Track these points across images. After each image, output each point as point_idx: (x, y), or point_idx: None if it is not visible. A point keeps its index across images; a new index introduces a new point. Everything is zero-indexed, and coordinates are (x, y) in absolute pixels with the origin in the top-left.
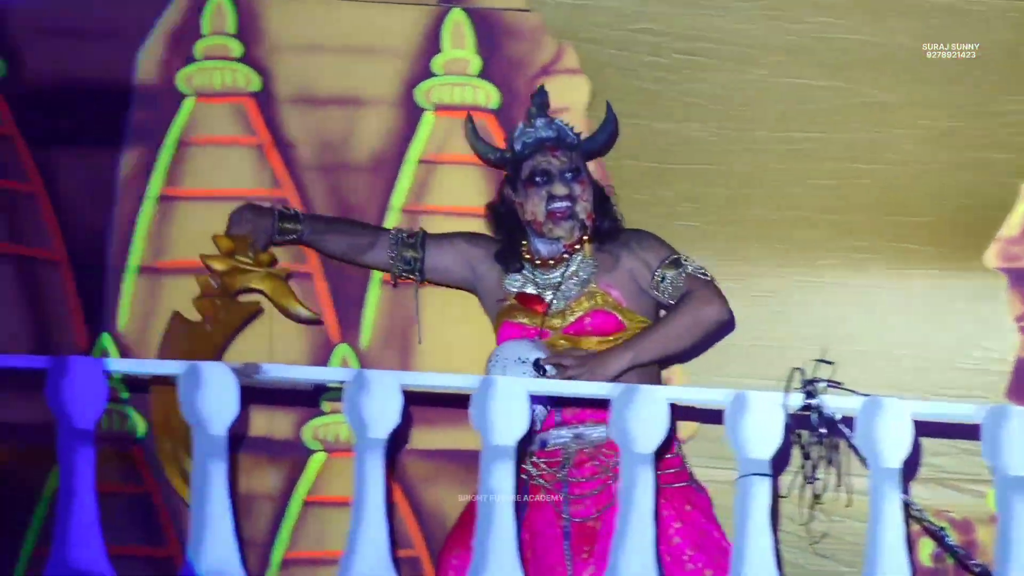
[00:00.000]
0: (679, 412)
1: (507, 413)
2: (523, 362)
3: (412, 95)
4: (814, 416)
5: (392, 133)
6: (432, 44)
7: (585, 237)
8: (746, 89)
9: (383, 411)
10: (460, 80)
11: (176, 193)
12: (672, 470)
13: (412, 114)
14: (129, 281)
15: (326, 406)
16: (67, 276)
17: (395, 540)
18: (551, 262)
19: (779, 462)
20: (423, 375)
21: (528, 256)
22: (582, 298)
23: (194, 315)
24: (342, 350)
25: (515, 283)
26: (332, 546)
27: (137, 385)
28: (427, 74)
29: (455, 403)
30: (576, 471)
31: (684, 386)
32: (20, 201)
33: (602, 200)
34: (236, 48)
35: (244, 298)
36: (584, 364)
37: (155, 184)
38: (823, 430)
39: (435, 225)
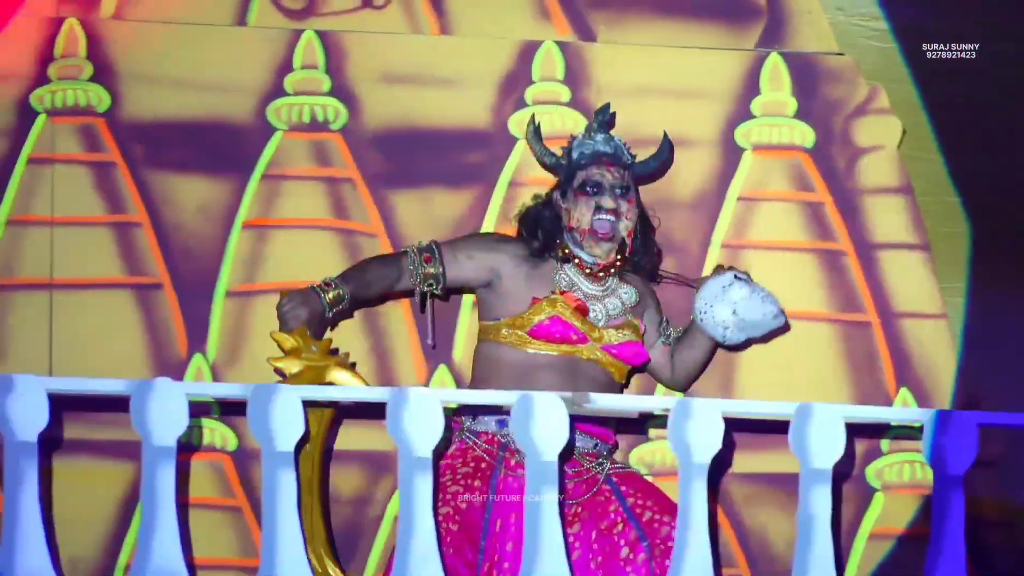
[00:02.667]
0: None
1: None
2: (729, 286)
3: (733, 135)
4: None
5: (713, 171)
6: (751, 87)
7: (619, 261)
8: None
9: (706, 437)
10: (778, 121)
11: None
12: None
13: (732, 154)
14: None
15: (652, 432)
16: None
17: (719, 560)
18: (590, 271)
19: None
20: (744, 403)
21: (566, 254)
22: (625, 325)
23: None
24: None
25: (564, 280)
26: None
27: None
28: (747, 115)
29: (776, 428)
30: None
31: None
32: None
33: (645, 228)
34: (564, 93)
35: None
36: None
37: (489, 221)
38: None
39: (757, 260)
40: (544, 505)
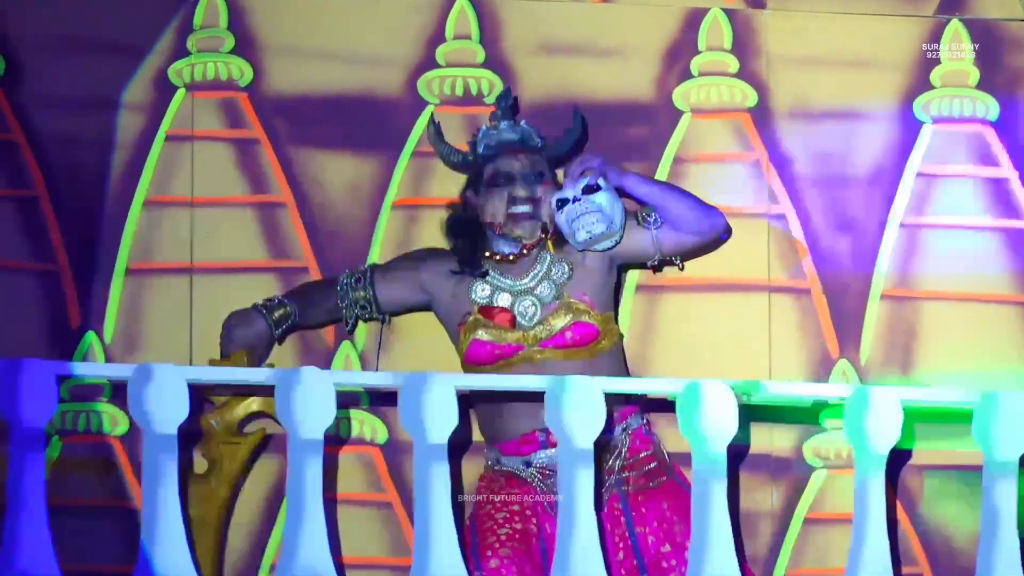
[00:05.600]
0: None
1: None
2: (575, 200)
3: (911, 108)
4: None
5: (890, 146)
6: (931, 56)
7: (547, 236)
8: None
9: (885, 427)
10: (959, 92)
11: None
12: (649, 467)
13: (911, 127)
14: None
15: (827, 423)
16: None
17: (897, 557)
18: (511, 258)
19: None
20: (924, 390)
21: (490, 255)
22: (559, 310)
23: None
24: (842, 366)
25: (483, 293)
26: (834, 564)
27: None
28: (926, 86)
29: (957, 419)
30: None
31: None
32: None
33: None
34: (732, 64)
35: (250, 427)
36: (598, 160)
37: None
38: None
39: (937, 239)
40: (713, 498)
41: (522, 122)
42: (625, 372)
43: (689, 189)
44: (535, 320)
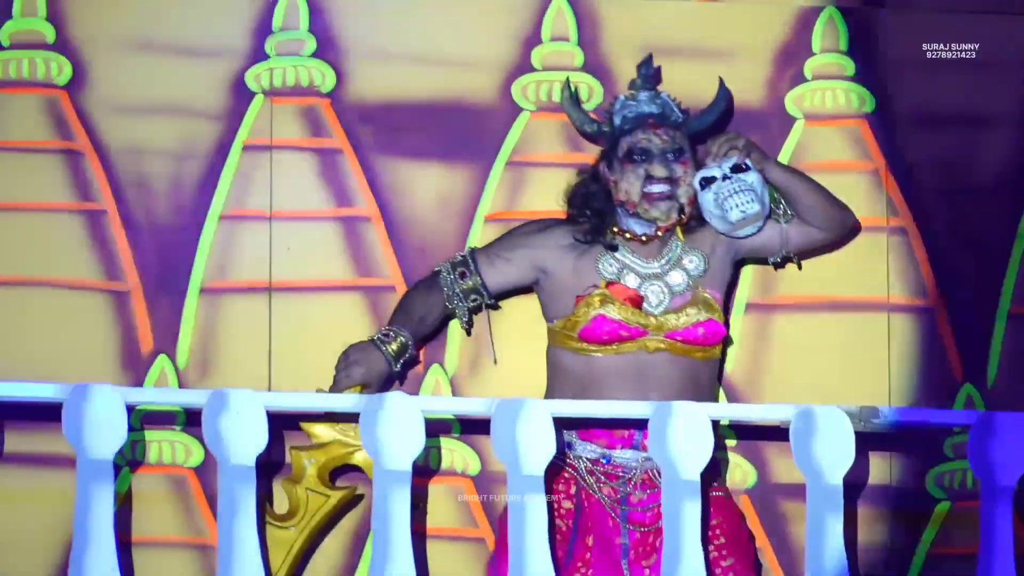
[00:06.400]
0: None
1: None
2: (724, 178)
3: None
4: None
5: (1018, 153)
6: None
7: (682, 219)
8: None
9: (1012, 456)
10: None
11: None
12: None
13: None
14: None
15: (950, 451)
16: None
17: None
18: (643, 239)
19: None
20: None
21: (617, 231)
22: (692, 303)
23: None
24: (967, 390)
25: (611, 269)
26: None
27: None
28: None
29: None
30: (639, 487)
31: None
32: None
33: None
34: (848, 67)
35: (343, 480)
36: (744, 138)
37: None
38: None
39: None
40: (828, 532)
41: (662, 94)
42: (719, 380)
43: None
44: (662, 308)
